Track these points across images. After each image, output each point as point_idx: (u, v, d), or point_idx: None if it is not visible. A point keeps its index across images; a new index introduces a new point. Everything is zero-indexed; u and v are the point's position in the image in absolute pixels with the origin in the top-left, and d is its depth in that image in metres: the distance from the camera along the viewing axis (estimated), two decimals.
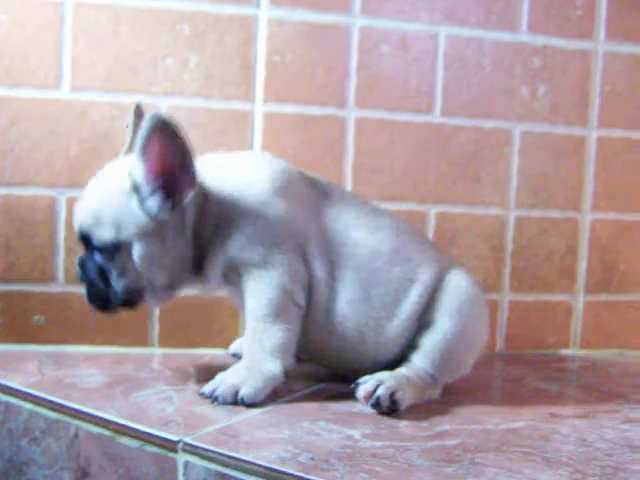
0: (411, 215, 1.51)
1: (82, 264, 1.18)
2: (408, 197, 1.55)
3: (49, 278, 1.45)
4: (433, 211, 1.58)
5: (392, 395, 1.12)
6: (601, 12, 1.63)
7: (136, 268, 1.14)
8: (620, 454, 1.00)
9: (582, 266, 1.67)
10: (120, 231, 1.13)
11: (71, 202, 1.43)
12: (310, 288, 1.19)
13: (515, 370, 1.49)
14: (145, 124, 1.07)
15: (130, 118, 1.25)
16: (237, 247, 1.16)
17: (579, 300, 1.68)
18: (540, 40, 1.61)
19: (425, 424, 1.09)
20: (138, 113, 1.24)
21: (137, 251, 1.14)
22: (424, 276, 1.21)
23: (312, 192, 1.23)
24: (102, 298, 1.17)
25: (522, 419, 1.15)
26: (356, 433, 1.02)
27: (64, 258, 1.44)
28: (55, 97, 1.43)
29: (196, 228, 1.18)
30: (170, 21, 1.45)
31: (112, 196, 1.14)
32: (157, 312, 1.48)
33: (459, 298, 1.21)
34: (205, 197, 1.17)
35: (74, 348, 1.45)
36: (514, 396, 1.30)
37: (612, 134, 1.66)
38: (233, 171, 1.22)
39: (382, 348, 1.21)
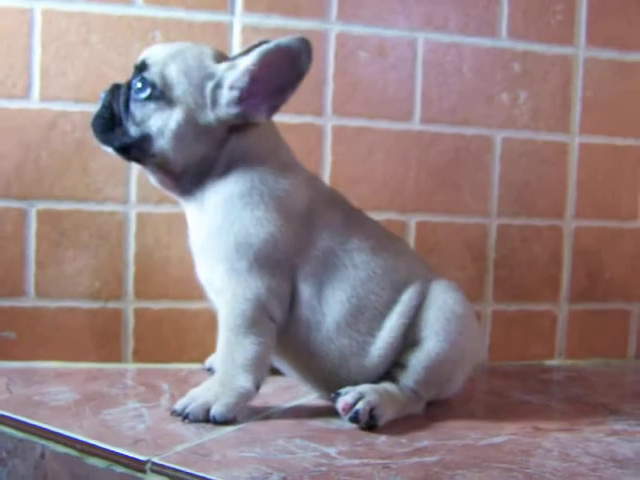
0: (391, 225, 1.48)
1: (116, 88, 1.17)
2: (388, 206, 1.53)
3: (19, 292, 1.41)
4: (413, 220, 1.55)
5: (372, 410, 1.09)
6: (581, 17, 1.61)
7: (160, 129, 1.12)
8: (604, 469, 0.97)
9: (566, 275, 1.65)
10: (179, 87, 1.13)
11: (42, 215, 1.40)
12: (294, 306, 1.15)
13: (499, 382, 1.46)
14: (294, 38, 1.09)
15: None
16: (225, 250, 1.13)
17: (563, 309, 1.65)
18: (520, 46, 1.59)
19: (404, 440, 1.06)
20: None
21: (177, 116, 1.12)
22: (409, 295, 1.18)
23: (335, 216, 1.19)
24: (107, 126, 1.15)
25: (504, 433, 1.12)
26: (332, 450, 0.99)
27: (34, 272, 1.41)
28: (24, 107, 1.40)
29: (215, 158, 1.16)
30: (142, 29, 1.42)
31: (195, 61, 1.14)
32: (131, 326, 1.44)
33: (444, 315, 1.17)
34: (248, 149, 1.16)
35: (45, 364, 1.41)
36: (497, 409, 1.27)
37: (594, 140, 1.64)
38: (282, 160, 1.20)
39: (364, 371, 1.17)
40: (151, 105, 1.13)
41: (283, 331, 1.15)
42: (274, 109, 1.14)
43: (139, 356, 1.45)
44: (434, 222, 1.56)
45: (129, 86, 1.15)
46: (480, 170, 1.59)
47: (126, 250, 1.44)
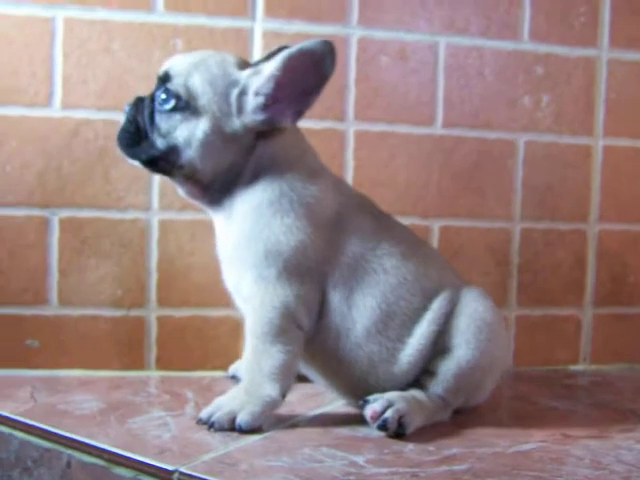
0: (414, 229, 1.46)
1: (140, 101, 1.16)
2: (410, 211, 1.51)
3: (42, 301, 1.41)
4: (436, 225, 1.54)
5: (400, 418, 1.08)
6: (604, 19, 1.59)
7: (186, 139, 1.12)
8: (637, 477, 0.96)
9: (590, 279, 1.63)
10: (203, 96, 1.12)
11: (64, 223, 1.40)
12: (323, 313, 1.14)
13: (524, 387, 1.45)
14: (317, 42, 1.09)
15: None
16: (254, 257, 1.12)
17: (588, 314, 1.64)
18: (542, 48, 1.57)
19: (432, 447, 1.05)
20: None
21: (203, 126, 1.12)
22: (440, 302, 1.16)
23: (364, 220, 1.18)
24: (134, 140, 1.15)
25: (533, 440, 1.10)
26: (360, 459, 0.98)
27: (57, 280, 1.40)
28: (46, 115, 1.40)
29: (242, 166, 1.15)
30: (163, 36, 1.42)
31: (219, 69, 1.14)
32: (154, 334, 1.44)
33: (475, 324, 1.15)
34: (275, 156, 1.16)
35: (69, 372, 1.41)
36: (524, 416, 1.26)
37: (618, 143, 1.63)
38: (309, 165, 1.19)
39: (393, 378, 1.15)
40: (176, 116, 1.12)
41: (311, 338, 1.14)
42: (300, 114, 1.14)
43: (162, 364, 1.45)
44: (457, 226, 1.55)
45: (153, 98, 1.15)
46: (503, 174, 1.57)
47: (148, 257, 1.43)
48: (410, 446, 1.05)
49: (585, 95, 1.60)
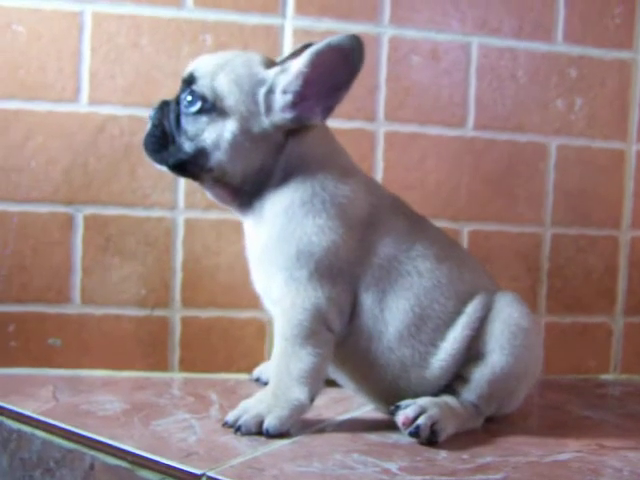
0: None
1: (164, 105, 1.14)
2: (440, 214, 1.48)
3: (65, 299, 1.39)
4: (466, 229, 1.51)
5: (433, 425, 1.05)
6: None
7: (215, 141, 1.09)
8: None
9: (622, 286, 1.60)
10: (230, 97, 1.09)
11: (88, 220, 1.38)
12: (354, 316, 1.12)
13: (554, 396, 1.41)
14: (345, 36, 1.05)
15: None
16: (285, 258, 1.10)
17: (619, 322, 1.60)
18: (576, 50, 1.54)
19: (465, 455, 1.02)
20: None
21: (231, 127, 1.09)
22: (474, 306, 1.14)
23: (397, 221, 1.16)
24: (160, 144, 1.12)
25: (568, 450, 1.07)
26: (393, 466, 0.95)
27: (81, 278, 1.39)
28: (73, 110, 1.38)
29: (272, 166, 1.13)
30: (192, 32, 1.40)
31: (245, 69, 1.11)
32: (178, 335, 1.41)
33: (510, 329, 1.12)
34: (305, 155, 1.14)
35: (91, 372, 1.39)
36: (557, 425, 1.22)
37: None
38: (340, 164, 1.17)
39: (425, 383, 1.12)
40: (203, 118, 1.09)
41: (342, 341, 1.12)
42: (329, 110, 1.11)
43: (186, 365, 1.42)
44: (487, 231, 1.52)
45: (178, 101, 1.12)
46: (534, 178, 1.54)
47: (173, 257, 1.41)
48: (443, 453, 1.02)
49: (619, 98, 1.57)
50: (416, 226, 1.18)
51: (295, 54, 1.13)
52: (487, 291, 1.16)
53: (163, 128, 1.12)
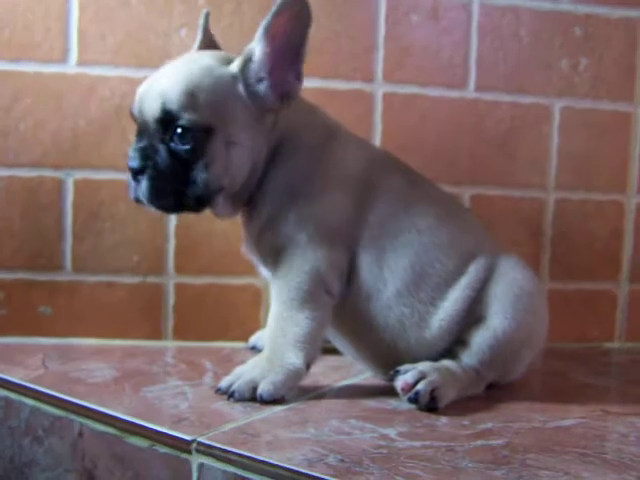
0: None
1: (147, 150, 1.02)
2: (441, 178, 1.43)
3: (56, 266, 1.35)
4: (468, 193, 1.47)
5: (433, 391, 1.02)
6: None
7: (225, 159, 1.04)
8: None
9: (627, 252, 1.56)
10: (218, 114, 1.02)
11: (79, 184, 1.35)
12: (353, 276, 1.09)
13: (557, 364, 1.38)
14: (280, 2, 1.00)
15: (200, 22, 1.16)
16: (285, 222, 1.07)
17: (624, 289, 1.57)
18: (582, 9, 1.50)
19: (466, 422, 0.99)
20: (206, 20, 1.16)
21: (235, 138, 1.04)
22: (476, 267, 1.11)
23: (394, 178, 1.13)
24: (172, 193, 1.02)
25: (572, 416, 1.04)
26: (391, 432, 0.92)
27: (71, 244, 1.35)
28: (61, 72, 1.34)
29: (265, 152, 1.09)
30: None
31: (212, 77, 1.03)
32: (171, 302, 1.38)
33: (513, 292, 1.10)
34: (287, 128, 1.10)
35: (82, 341, 1.36)
36: (560, 392, 1.19)
37: None
38: (324, 124, 1.14)
39: (425, 344, 1.09)
40: (201, 150, 1.02)
41: (341, 303, 1.09)
42: (300, 74, 1.06)
43: (180, 333, 1.39)
44: (489, 195, 1.48)
45: (162, 141, 1.02)
46: (538, 141, 1.50)
47: (167, 222, 1.38)
48: (443, 419, 0.99)
49: (626, 59, 1.52)
50: (414, 184, 1.15)
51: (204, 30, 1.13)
52: (490, 252, 1.13)
53: (163, 174, 1.02)
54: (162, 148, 1.02)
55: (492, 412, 1.04)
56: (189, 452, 0.87)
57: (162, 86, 1.02)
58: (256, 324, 1.40)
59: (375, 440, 0.89)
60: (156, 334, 1.39)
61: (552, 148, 1.51)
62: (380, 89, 1.43)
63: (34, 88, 1.33)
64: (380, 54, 1.43)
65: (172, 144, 1.01)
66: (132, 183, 1.04)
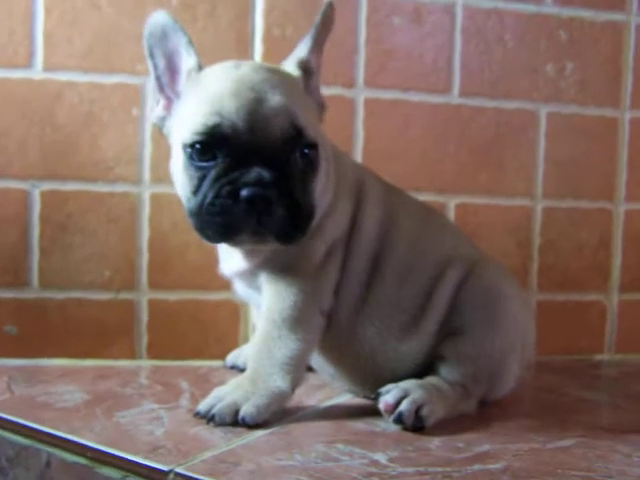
0: None
1: (274, 175, 0.90)
2: (425, 187, 1.41)
3: (22, 282, 1.30)
4: (453, 202, 1.43)
5: (418, 410, 0.97)
6: None
7: (318, 192, 0.97)
8: None
9: (616, 262, 1.52)
10: (314, 129, 0.95)
11: (46, 196, 1.29)
12: (341, 289, 1.04)
13: (547, 378, 1.34)
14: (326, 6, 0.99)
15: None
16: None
17: (613, 299, 1.53)
18: (567, 12, 1.46)
19: (461, 444, 0.93)
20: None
21: (327, 154, 1.00)
22: (452, 273, 1.07)
23: (379, 187, 1.11)
24: (308, 220, 0.94)
25: (571, 435, 0.99)
26: (382, 457, 0.87)
27: (38, 260, 1.29)
28: (26, 77, 1.29)
29: None
30: None
31: (301, 90, 0.99)
32: (145, 320, 1.32)
33: (489, 297, 1.05)
34: None
35: (50, 362, 1.30)
36: (553, 407, 1.15)
37: None
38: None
39: (403, 359, 1.05)
40: (317, 169, 0.96)
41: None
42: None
43: (154, 352, 1.34)
44: (475, 204, 1.44)
45: (289, 163, 0.92)
46: (524, 147, 1.46)
47: (139, 235, 1.32)
48: (436, 441, 0.93)
49: (612, 63, 1.50)
50: (394, 193, 1.14)
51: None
52: (469, 258, 1.10)
53: (297, 202, 0.92)
54: (292, 171, 0.92)
55: (487, 432, 0.99)
56: None
57: (282, 102, 0.92)
58: (234, 341, 1.34)
59: (365, 467, 0.83)
60: (129, 353, 1.33)
61: (539, 155, 1.47)
62: (361, 94, 1.39)
63: None
64: (361, 58, 1.38)
65: (295, 167, 0.93)
66: (249, 218, 0.90)
